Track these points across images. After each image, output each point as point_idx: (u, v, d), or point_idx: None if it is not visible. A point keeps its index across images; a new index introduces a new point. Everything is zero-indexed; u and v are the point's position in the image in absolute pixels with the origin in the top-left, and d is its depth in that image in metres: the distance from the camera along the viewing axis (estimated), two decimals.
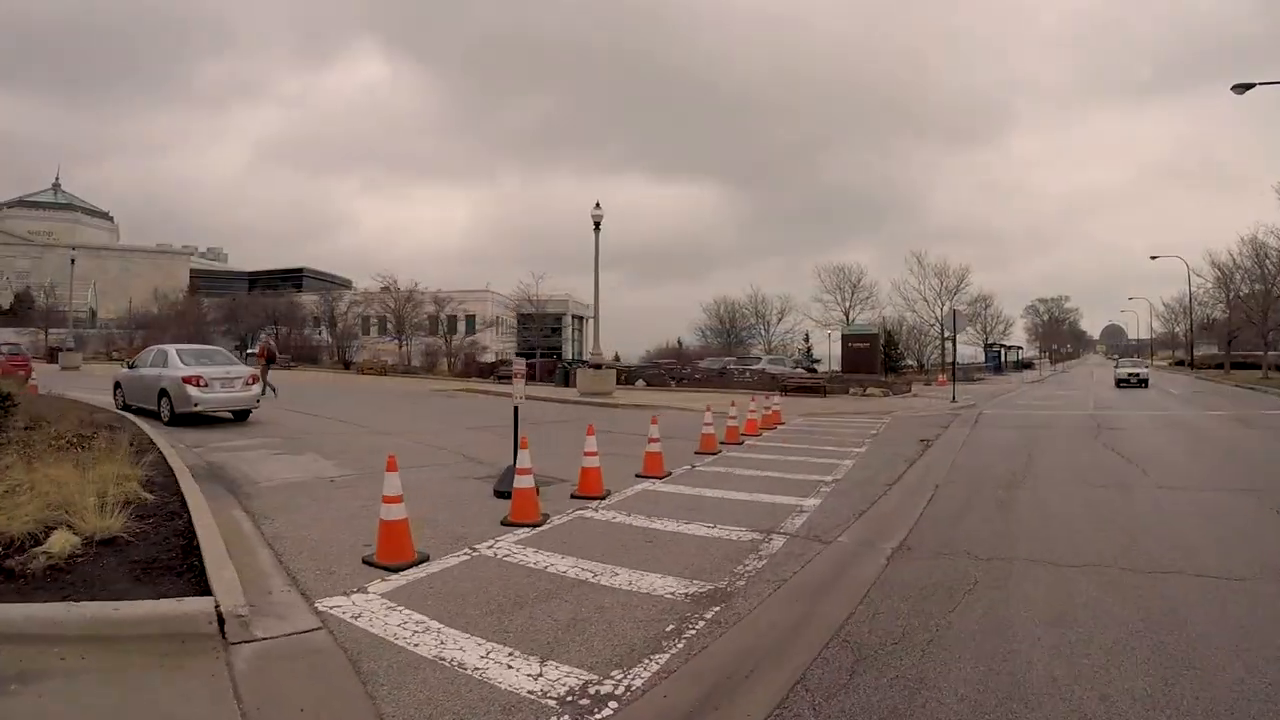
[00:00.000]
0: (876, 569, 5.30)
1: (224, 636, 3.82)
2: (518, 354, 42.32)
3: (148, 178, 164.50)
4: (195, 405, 13.68)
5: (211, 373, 14.02)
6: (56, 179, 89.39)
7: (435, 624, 4.17)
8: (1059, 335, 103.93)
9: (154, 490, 7.07)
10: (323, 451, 10.87)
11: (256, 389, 14.66)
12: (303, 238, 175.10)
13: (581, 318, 71.42)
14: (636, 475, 8.94)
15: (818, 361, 48.87)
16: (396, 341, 49.40)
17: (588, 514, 7.05)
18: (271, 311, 52.93)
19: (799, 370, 33.78)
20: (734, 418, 12.35)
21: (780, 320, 58.23)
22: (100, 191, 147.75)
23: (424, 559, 5.37)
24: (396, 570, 5.12)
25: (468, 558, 5.51)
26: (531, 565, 5.34)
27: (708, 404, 14.62)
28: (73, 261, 41.21)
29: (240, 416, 14.74)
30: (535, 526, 6.46)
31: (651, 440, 9.22)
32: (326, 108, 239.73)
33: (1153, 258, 78.18)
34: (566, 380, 27.68)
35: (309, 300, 57.22)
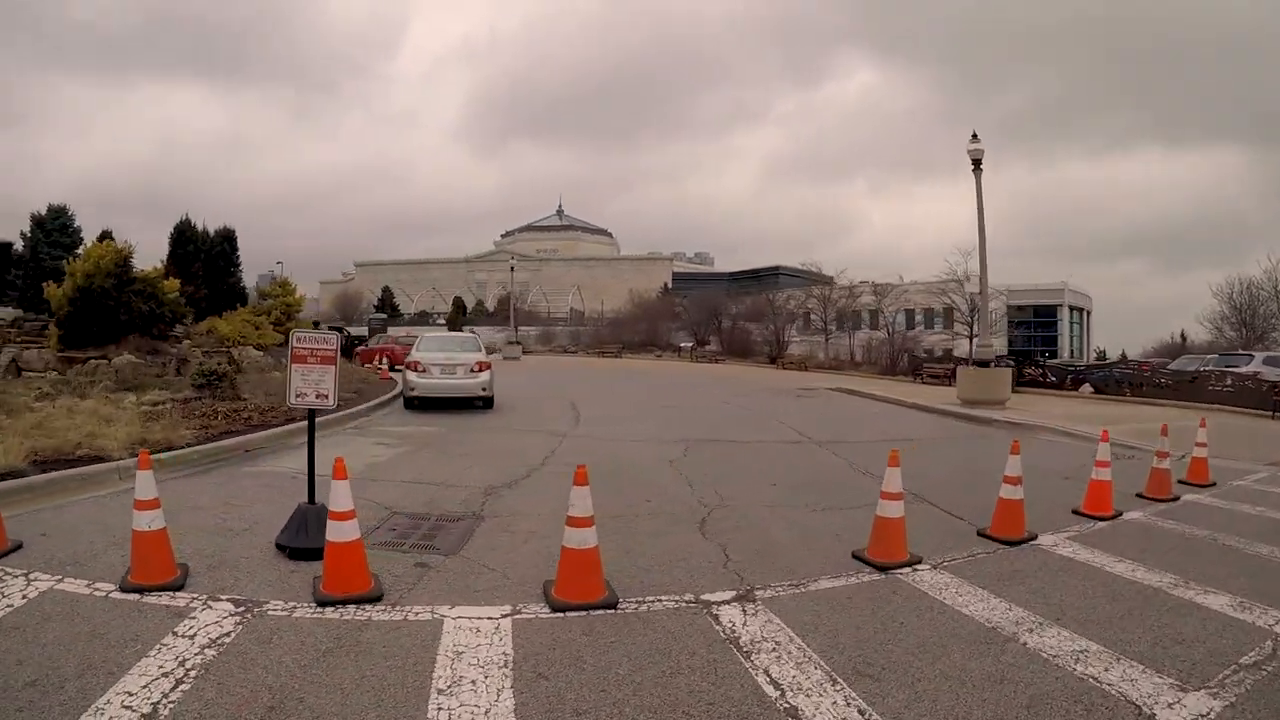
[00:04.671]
0: None
1: None
2: (1012, 354, 35.47)
3: (670, 200, 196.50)
4: (412, 390, 13.12)
5: (431, 358, 13.28)
6: (559, 206, 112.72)
7: None
8: None
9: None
10: (402, 457, 8.88)
11: (484, 376, 13.40)
12: (814, 242, 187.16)
13: (1081, 309, 57.20)
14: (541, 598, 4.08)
15: None
16: (823, 335, 46.45)
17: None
18: (714, 307, 55.44)
19: None
20: (1013, 482, 5.56)
21: None
22: (631, 216, 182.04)
23: None
24: None
25: None
26: None
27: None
28: (512, 269, 49.42)
29: (487, 404, 13.72)
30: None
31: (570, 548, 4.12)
32: (824, 119, 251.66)
33: None
34: None
35: (755, 297, 58.32)
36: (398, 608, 3.93)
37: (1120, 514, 6.19)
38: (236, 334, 17.62)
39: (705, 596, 4.12)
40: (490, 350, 50.13)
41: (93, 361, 12.27)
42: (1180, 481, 7.45)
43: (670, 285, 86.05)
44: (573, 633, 3.62)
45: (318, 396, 4.95)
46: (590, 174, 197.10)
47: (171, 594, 4.00)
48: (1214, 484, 7.60)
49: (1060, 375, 25.03)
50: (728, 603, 4.04)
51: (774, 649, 3.47)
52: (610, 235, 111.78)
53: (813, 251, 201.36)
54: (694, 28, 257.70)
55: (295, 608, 3.87)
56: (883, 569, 4.69)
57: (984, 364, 16.51)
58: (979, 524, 5.71)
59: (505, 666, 3.26)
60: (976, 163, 16.28)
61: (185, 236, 20.22)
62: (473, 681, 3.12)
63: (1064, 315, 58.17)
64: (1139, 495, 6.87)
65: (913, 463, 8.90)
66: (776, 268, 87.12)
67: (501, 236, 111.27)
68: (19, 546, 4.73)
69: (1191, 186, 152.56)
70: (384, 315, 59.16)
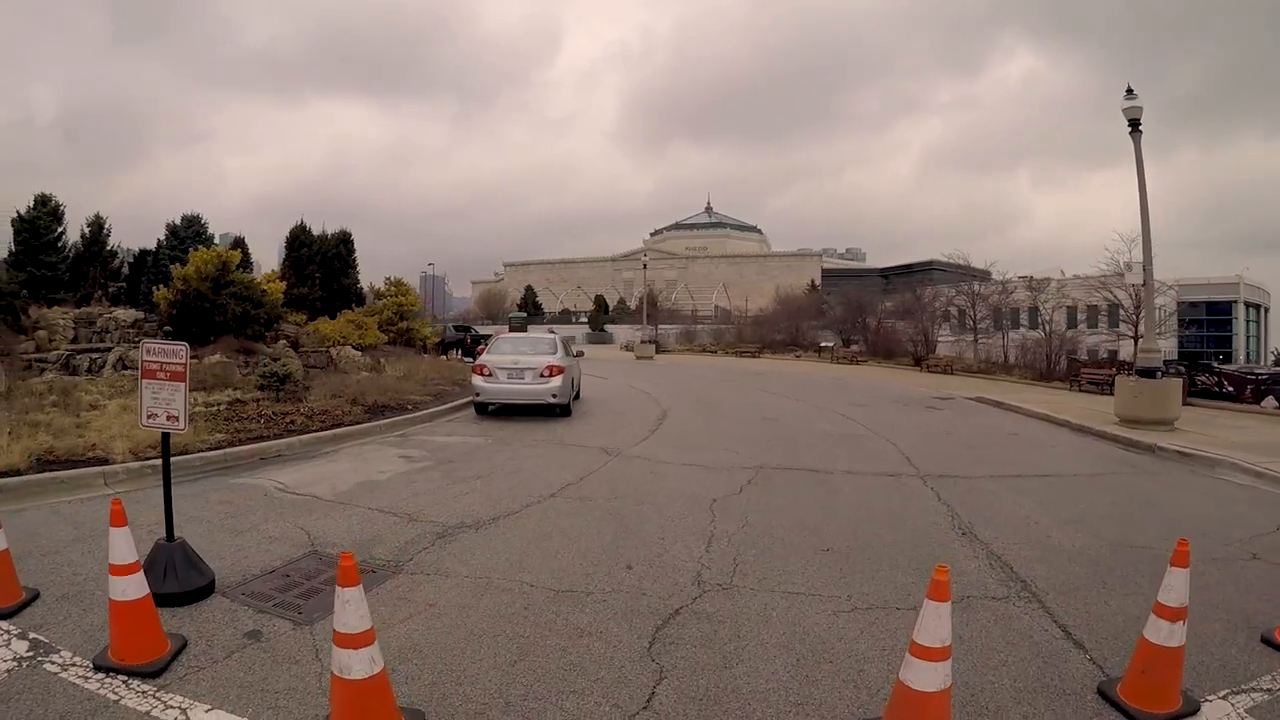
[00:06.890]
0: None
1: None
2: (1182, 358, 30.46)
3: (824, 197, 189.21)
4: (478, 395, 12.42)
5: (497, 361, 12.47)
6: (708, 204, 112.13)
7: None
8: None
9: None
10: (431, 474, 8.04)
11: (555, 382, 12.39)
12: (978, 235, 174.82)
13: (1258, 305, 48.33)
14: None
15: None
16: (973, 334, 41.81)
17: None
18: (861, 304, 51.75)
19: None
20: (1170, 617, 3.17)
21: None
22: (783, 213, 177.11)
23: None
24: None
25: None
26: None
27: None
28: (644, 266, 47.74)
29: (563, 411, 12.77)
30: None
31: None
32: (986, 108, 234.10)
33: None
34: None
35: (904, 294, 53.92)
36: (157, 695, 3.15)
37: None
38: (338, 334, 18.09)
39: None
40: (626, 349, 49.52)
41: None
42: None
43: (819, 282, 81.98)
44: None
45: (168, 419, 4.11)
46: (742, 172, 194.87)
47: None
48: None
49: (1238, 384, 20.36)
50: None
51: None
52: (760, 232, 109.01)
53: (974, 246, 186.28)
54: (844, 21, 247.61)
55: (72, 666, 3.37)
56: None
57: (1149, 373, 13.03)
58: (1108, 666, 3.53)
59: None
60: (1134, 123, 12.92)
61: (299, 241, 21.22)
62: None
63: (1239, 313, 50.64)
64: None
65: (1036, 519, 6.64)
66: (930, 263, 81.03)
67: (650, 235, 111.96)
68: None
69: None
70: (524, 314, 60.90)
